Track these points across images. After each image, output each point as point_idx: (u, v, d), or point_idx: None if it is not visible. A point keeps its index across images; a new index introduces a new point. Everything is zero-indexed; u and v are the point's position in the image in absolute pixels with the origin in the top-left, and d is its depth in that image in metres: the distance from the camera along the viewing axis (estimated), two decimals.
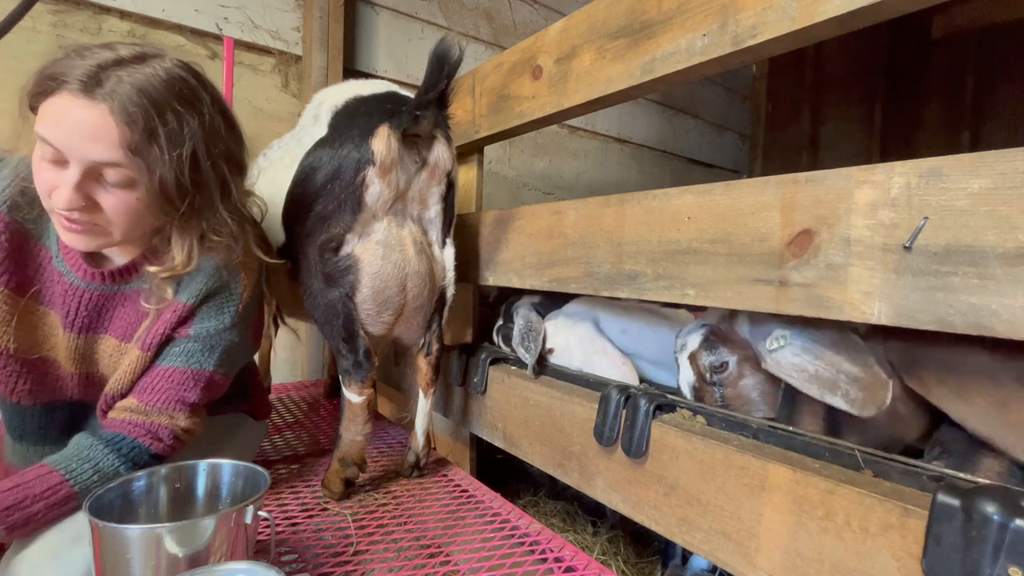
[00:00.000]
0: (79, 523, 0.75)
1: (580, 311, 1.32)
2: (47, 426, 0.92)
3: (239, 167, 0.88)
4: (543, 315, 1.35)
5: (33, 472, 0.75)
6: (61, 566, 0.72)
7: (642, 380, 1.20)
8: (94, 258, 0.86)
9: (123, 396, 0.87)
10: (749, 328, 0.91)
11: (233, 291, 0.90)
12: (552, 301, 1.40)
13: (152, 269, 0.84)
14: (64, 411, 0.92)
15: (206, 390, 0.89)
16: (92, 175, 0.73)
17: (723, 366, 0.95)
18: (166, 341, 0.88)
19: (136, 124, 0.71)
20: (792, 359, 0.77)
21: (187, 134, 0.76)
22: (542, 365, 1.26)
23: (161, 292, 0.86)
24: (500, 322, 1.42)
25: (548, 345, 1.29)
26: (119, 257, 0.87)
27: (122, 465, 0.80)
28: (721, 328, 0.97)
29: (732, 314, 0.97)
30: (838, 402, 0.69)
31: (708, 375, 0.98)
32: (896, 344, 0.77)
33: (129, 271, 0.87)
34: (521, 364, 1.28)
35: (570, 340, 1.26)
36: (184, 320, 0.88)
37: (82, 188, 0.72)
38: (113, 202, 0.75)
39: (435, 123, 0.99)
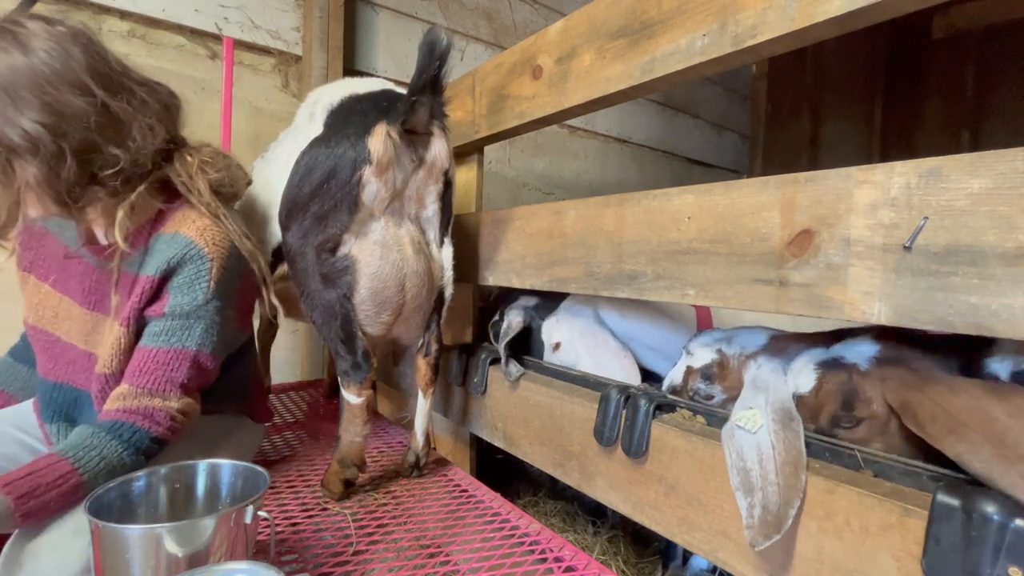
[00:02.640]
0: (80, 516, 0.75)
1: (580, 304, 1.33)
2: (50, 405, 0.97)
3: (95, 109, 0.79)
4: (541, 317, 1.36)
5: (44, 460, 0.76)
6: (62, 558, 0.72)
7: (639, 368, 1.23)
8: (91, 239, 0.93)
9: (111, 376, 0.89)
10: (752, 375, 0.89)
11: (200, 266, 0.89)
12: (550, 303, 1.41)
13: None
14: (69, 393, 0.97)
15: (193, 369, 0.89)
16: None
17: (709, 397, 0.96)
18: (144, 320, 0.90)
19: None
20: (743, 445, 0.74)
21: None
22: (520, 361, 1.27)
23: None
24: (496, 318, 1.43)
25: (555, 340, 1.30)
26: (103, 238, 0.92)
27: (125, 451, 0.81)
28: (731, 363, 0.95)
29: (764, 348, 0.93)
30: (742, 506, 0.68)
31: (692, 394, 0.98)
32: (893, 384, 0.75)
33: (114, 250, 0.89)
34: (520, 363, 1.28)
35: (572, 333, 1.28)
36: (155, 296, 0.90)
37: None
38: None
39: (432, 113, 0.98)
